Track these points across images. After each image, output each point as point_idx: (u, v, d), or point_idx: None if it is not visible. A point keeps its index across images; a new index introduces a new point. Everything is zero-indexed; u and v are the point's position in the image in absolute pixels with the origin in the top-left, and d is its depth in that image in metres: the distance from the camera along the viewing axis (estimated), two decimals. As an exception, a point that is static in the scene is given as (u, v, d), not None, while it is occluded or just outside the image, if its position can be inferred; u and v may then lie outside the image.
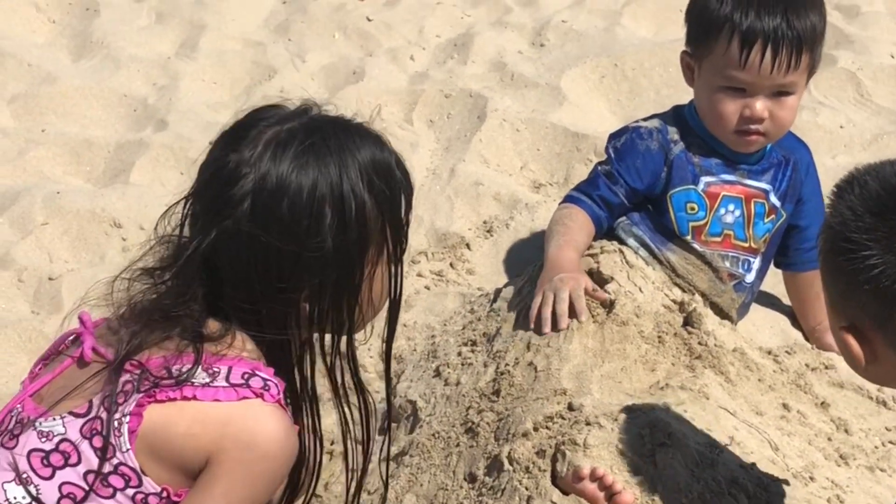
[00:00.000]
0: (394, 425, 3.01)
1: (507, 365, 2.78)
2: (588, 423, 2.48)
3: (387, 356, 2.32)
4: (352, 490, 2.29)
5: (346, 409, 2.21)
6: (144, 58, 4.90)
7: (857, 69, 4.94)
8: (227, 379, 1.97)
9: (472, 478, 2.55)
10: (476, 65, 4.95)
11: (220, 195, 2.01)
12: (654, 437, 2.46)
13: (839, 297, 1.97)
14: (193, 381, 1.96)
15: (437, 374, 3.00)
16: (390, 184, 2.08)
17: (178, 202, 2.09)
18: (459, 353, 3.01)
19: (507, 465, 2.46)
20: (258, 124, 2.05)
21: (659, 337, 2.86)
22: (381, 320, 2.29)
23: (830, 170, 4.27)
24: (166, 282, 2.05)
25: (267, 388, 1.99)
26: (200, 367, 1.97)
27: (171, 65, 4.88)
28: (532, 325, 2.82)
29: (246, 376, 1.98)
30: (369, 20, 5.25)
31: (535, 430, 2.51)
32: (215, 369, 1.98)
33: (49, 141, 4.35)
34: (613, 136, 3.27)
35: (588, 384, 2.65)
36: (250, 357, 2.02)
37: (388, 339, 2.27)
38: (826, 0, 5.39)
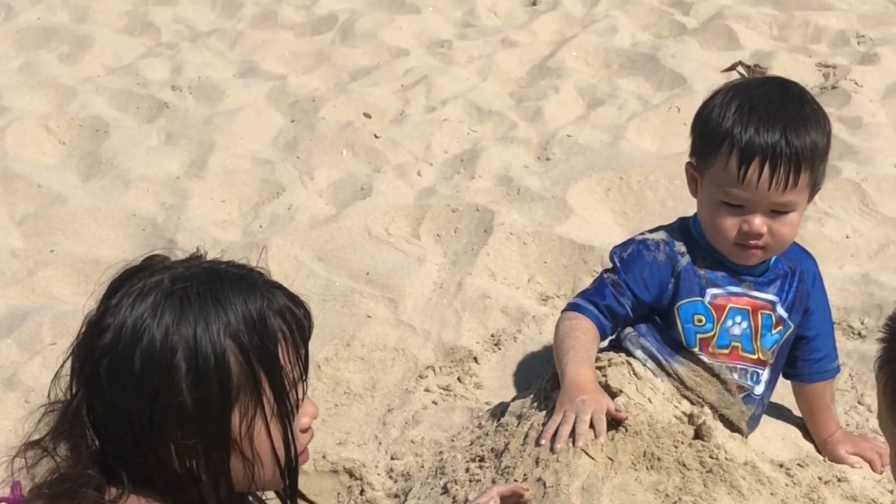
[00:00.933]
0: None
1: (515, 481, 2.75)
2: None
3: None
4: None
5: None
6: (153, 177, 4.95)
7: (861, 180, 4.96)
8: None
9: None
10: (482, 179, 4.99)
11: (85, 349, 1.96)
12: None
13: None
14: None
15: (445, 490, 2.97)
16: (263, 335, 1.95)
17: (64, 362, 2.03)
18: (467, 470, 2.98)
19: (516, 585, 2.43)
20: (137, 274, 1.99)
21: (672, 448, 2.83)
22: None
23: (837, 280, 4.27)
24: (58, 450, 1.98)
25: None
26: None
27: (180, 184, 4.93)
28: (544, 441, 2.80)
29: None
30: (377, 137, 5.31)
31: (545, 548, 2.48)
32: None
33: (57, 261, 4.38)
34: (619, 247, 3.25)
35: (599, 497, 2.62)
36: None
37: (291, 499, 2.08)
38: (829, 112, 5.47)
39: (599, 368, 3.08)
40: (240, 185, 4.95)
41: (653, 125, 5.48)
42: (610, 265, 3.24)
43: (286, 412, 1.98)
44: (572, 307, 3.18)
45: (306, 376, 2.04)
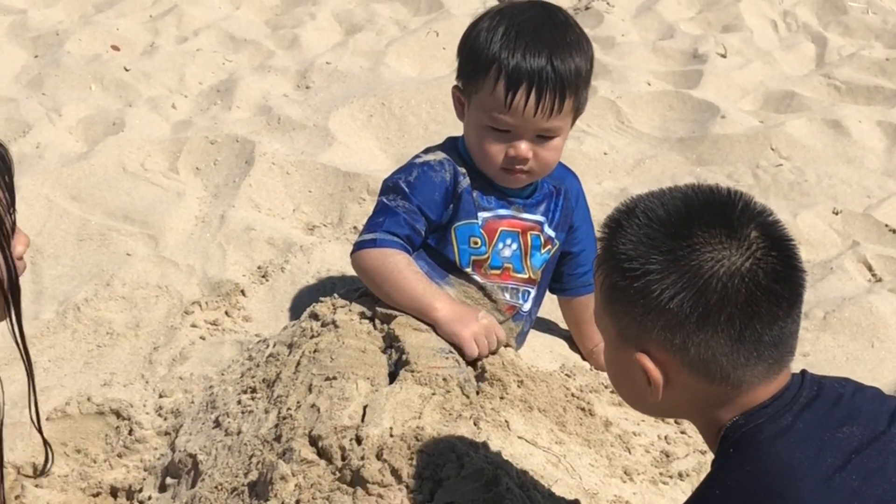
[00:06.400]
0: (174, 480, 2.88)
1: (288, 409, 2.70)
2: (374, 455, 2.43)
3: (20, 343, 2.32)
4: None
5: None
6: None
7: (616, 97, 5.07)
8: None
9: (258, 528, 2.45)
10: (241, 110, 4.87)
11: None
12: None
13: (633, 324, 1.95)
14: None
15: (217, 424, 2.89)
16: None
17: None
18: (239, 402, 2.91)
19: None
20: None
21: (447, 365, 2.83)
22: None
23: (598, 195, 4.36)
24: None
25: None
26: None
27: (-83, 125, 4.63)
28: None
29: None
30: (127, 70, 5.11)
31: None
32: None
33: None
34: (402, 172, 3.14)
35: (380, 416, 2.59)
36: None
37: (17, 324, 2.27)
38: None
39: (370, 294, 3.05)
40: (-17, 125, 4.69)
41: (412, 50, 5.46)
42: (389, 192, 3.11)
43: (3, 236, 2.15)
44: (374, 243, 3.03)
45: (14, 207, 2.20)
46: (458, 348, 2.89)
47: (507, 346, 3.14)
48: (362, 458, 2.43)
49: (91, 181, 4.29)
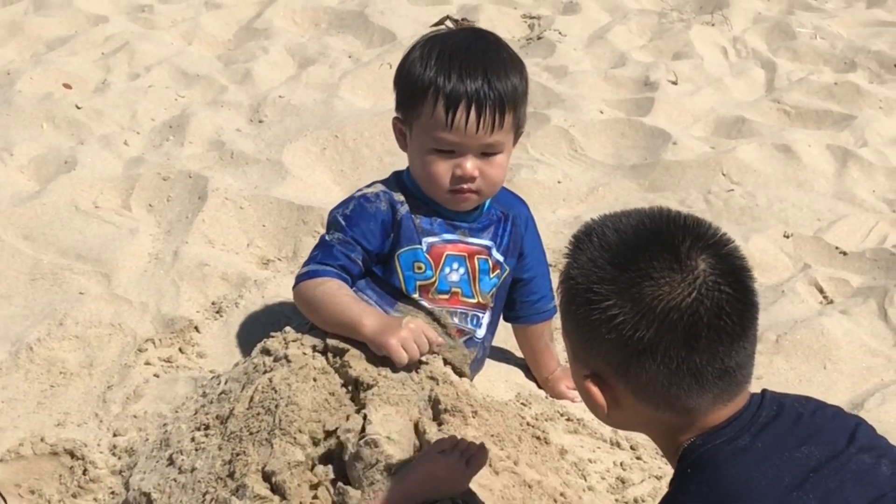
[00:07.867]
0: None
1: (242, 445, 2.69)
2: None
3: None
4: None
5: None
6: None
7: (569, 126, 5.09)
8: None
9: (211, 566, 2.44)
10: (194, 145, 4.86)
11: None
12: None
13: (581, 347, 1.98)
14: None
15: (171, 462, 2.87)
16: None
17: None
18: (193, 439, 2.90)
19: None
20: None
21: (405, 392, 2.83)
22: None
23: (552, 224, 4.38)
24: None
25: None
26: None
27: None
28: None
29: None
30: (78, 108, 5.09)
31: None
32: None
33: None
34: (340, 206, 3.22)
35: (371, 427, 2.59)
36: None
37: None
38: (536, 62, 5.59)
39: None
40: (-68, 166, 4.65)
41: (365, 82, 5.47)
42: (330, 227, 3.19)
43: None
44: (309, 275, 3.10)
45: None
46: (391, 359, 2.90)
47: (462, 374, 3.15)
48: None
49: (43, 220, 4.27)
